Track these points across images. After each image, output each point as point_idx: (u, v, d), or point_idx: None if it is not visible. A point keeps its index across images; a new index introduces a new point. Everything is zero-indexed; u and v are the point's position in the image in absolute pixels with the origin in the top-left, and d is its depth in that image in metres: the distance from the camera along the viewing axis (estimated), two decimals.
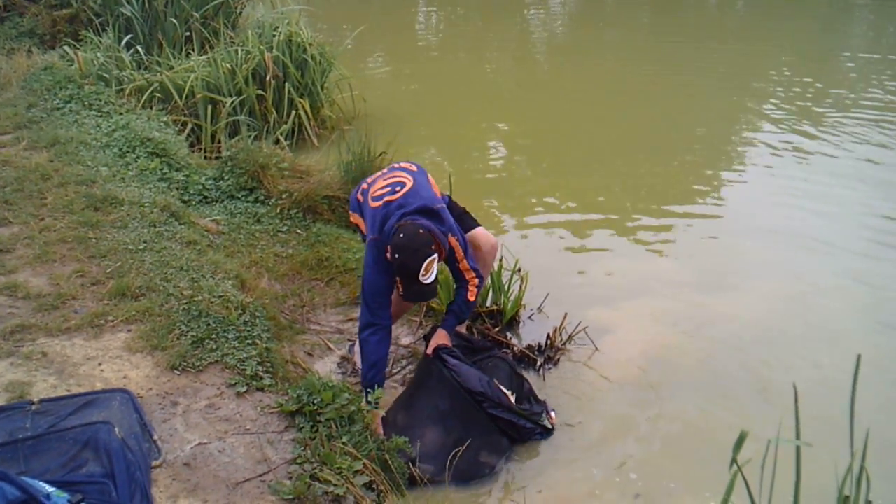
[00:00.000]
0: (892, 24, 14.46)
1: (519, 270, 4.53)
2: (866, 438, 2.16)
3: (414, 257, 3.32)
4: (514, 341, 4.29)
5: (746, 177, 7.17)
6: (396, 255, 3.33)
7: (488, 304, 4.46)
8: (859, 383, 2.02)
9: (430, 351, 3.66)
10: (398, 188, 3.59)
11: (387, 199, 3.56)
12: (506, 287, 4.42)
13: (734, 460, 2.13)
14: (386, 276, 3.46)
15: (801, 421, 2.15)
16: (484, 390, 3.48)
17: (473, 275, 3.70)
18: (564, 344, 4.29)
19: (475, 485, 3.37)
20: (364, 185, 3.79)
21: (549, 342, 4.26)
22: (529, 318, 4.58)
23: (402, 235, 3.35)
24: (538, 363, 4.14)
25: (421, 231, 3.37)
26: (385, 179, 3.69)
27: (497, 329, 4.30)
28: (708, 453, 3.59)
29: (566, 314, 4.40)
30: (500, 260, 4.33)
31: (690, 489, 3.39)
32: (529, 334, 4.42)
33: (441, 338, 3.71)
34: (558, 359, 4.20)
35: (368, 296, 3.51)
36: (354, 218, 3.87)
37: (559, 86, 10.13)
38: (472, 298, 3.73)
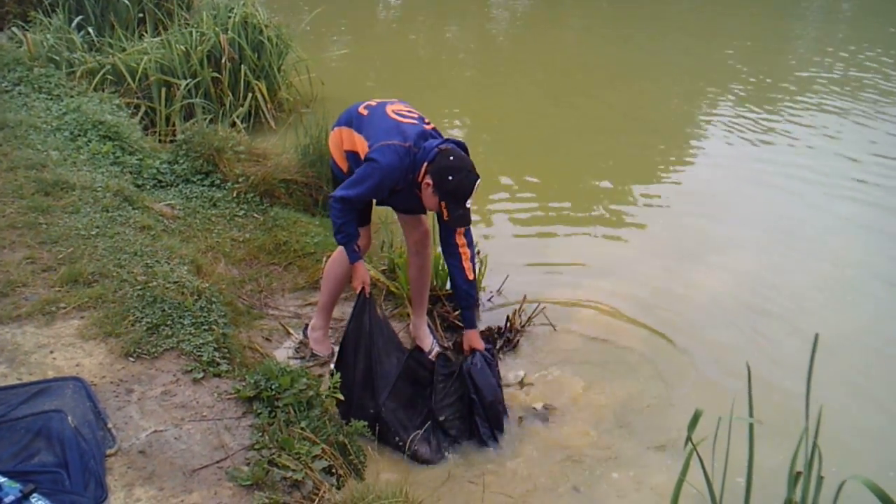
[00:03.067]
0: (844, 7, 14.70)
1: (478, 253, 4.54)
2: (819, 415, 2.20)
3: (468, 179, 3.34)
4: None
5: (708, 158, 7.28)
6: (450, 177, 3.32)
7: (447, 287, 4.46)
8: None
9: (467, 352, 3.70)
10: (427, 120, 3.59)
11: (425, 121, 3.55)
12: None
13: (689, 439, 2.17)
14: (382, 189, 3.42)
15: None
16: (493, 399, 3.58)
17: (465, 242, 3.65)
18: (524, 326, 4.32)
19: (432, 467, 3.40)
20: (370, 103, 3.65)
21: (508, 324, 4.28)
22: (489, 300, 4.60)
23: (452, 158, 3.35)
24: (498, 345, 4.16)
25: (467, 157, 3.39)
26: (403, 105, 3.64)
27: (457, 312, 4.31)
28: (662, 432, 3.64)
29: (525, 296, 4.43)
30: None
31: (644, 469, 3.44)
32: (489, 317, 4.43)
33: (475, 340, 3.70)
34: (517, 341, 4.23)
35: (355, 200, 3.42)
36: (337, 136, 3.69)
37: (520, 70, 10.12)
38: (471, 277, 3.66)
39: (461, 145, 3.48)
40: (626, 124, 8.08)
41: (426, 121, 3.58)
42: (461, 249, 3.63)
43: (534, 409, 3.78)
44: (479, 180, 3.39)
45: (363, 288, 3.56)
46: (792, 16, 13.82)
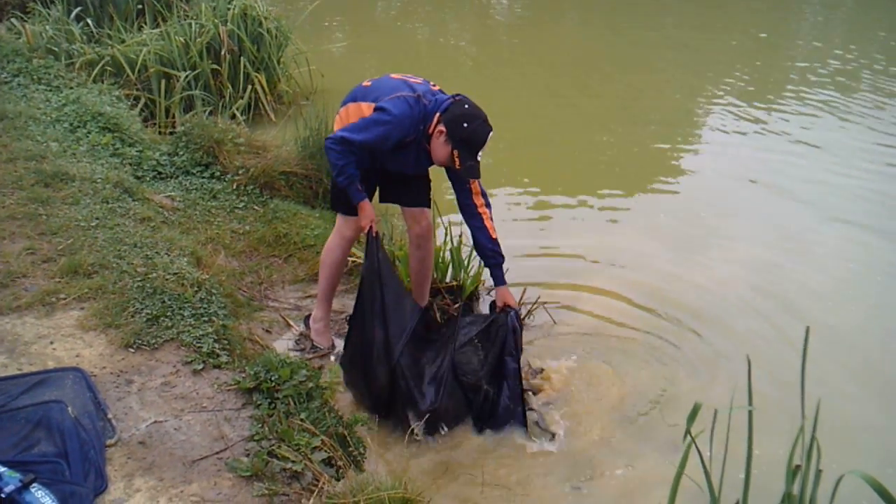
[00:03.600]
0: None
1: None
2: (817, 409, 2.20)
3: (483, 128, 3.34)
4: None
5: (707, 151, 7.30)
6: (465, 124, 3.30)
7: (448, 279, 4.46)
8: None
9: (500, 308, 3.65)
10: (433, 83, 3.58)
11: (431, 83, 3.54)
12: (465, 263, 4.42)
13: (688, 431, 2.17)
14: (389, 139, 3.38)
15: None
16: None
17: (483, 202, 3.62)
18: (523, 319, 4.32)
19: (429, 456, 3.41)
20: (373, 78, 3.64)
21: None
22: (489, 293, 4.60)
23: (467, 107, 3.35)
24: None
25: (480, 109, 3.39)
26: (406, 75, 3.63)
27: (457, 305, 4.31)
28: (667, 425, 3.65)
29: (525, 289, 4.43)
30: (460, 236, 4.33)
31: (647, 460, 3.45)
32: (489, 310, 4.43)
33: (508, 296, 3.68)
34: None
35: (357, 144, 3.35)
36: (343, 113, 3.60)
37: (519, 61, 10.11)
38: (494, 235, 3.62)
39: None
40: (625, 117, 8.09)
41: (432, 83, 3.58)
42: (480, 210, 3.59)
43: (531, 391, 3.79)
44: (492, 132, 3.38)
45: (371, 227, 3.53)
46: (791, 9, 13.80)
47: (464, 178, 3.52)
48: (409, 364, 3.50)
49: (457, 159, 3.36)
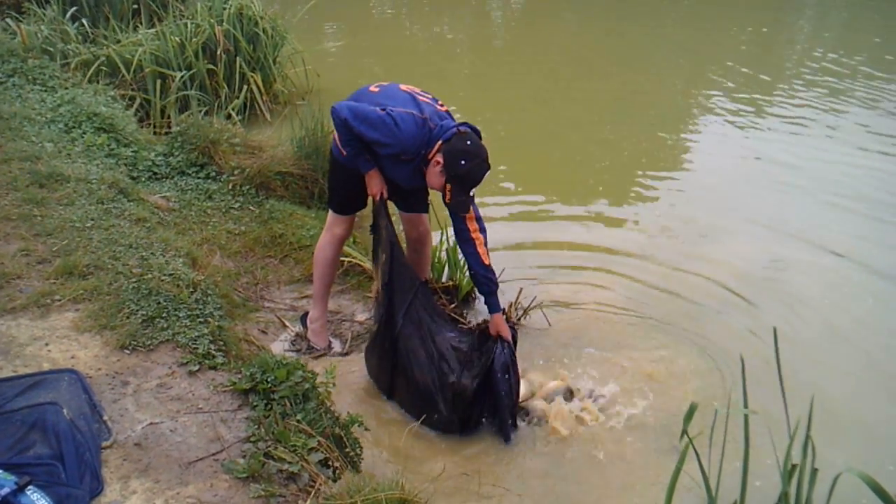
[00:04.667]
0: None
1: None
2: (811, 407, 2.21)
3: (480, 168, 3.32)
4: (470, 317, 4.30)
5: (705, 147, 7.32)
6: (463, 162, 3.27)
7: (444, 280, 4.46)
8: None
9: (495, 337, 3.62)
10: (440, 102, 3.56)
11: (438, 102, 3.53)
12: (461, 263, 4.42)
13: (684, 432, 2.17)
14: (386, 147, 3.37)
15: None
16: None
17: (477, 227, 3.54)
18: (519, 319, 4.31)
19: (427, 457, 3.40)
20: (380, 83, 3.62)
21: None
22: None
23: (469, 143, 3.30)
24: None
25: (482, 146, 3.35)
26: (414, 87, 3.62)
27: (453, 305, 4.31)
28: (666, 425, 3.65)
29: (521, 289, 4.42)
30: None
31: (647, 459, 3.45)
32: (485, 310, 4.43)
33: (501, 325, 3.62)
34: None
35: (355, 132, 3.35)
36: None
37: (515, 60, 10.11)
38: (486, 261, 3.56)
39: (476, 132, 3.44)
40: (622, 115, 8.09)
41: (439, 102, 3.55)
42: (473, 235, 3.53)
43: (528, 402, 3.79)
44: (489, 171, 3.36)
45: (382, 194, 3.55)
46: (789, 8, 13.81)
47: (452, 210, 3.50)
48: (408, 335, 3.57)
49: (448, 192, 3.36)
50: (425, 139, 3.35)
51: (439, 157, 3.33)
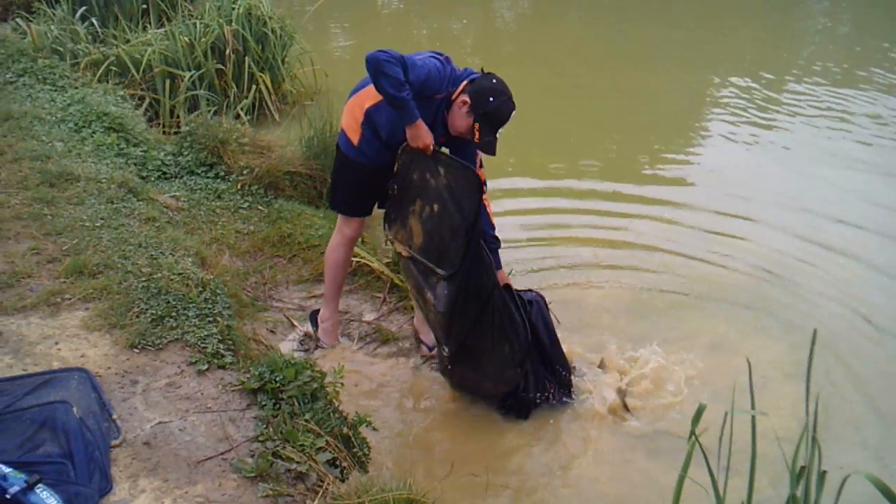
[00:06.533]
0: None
1: None
2: (816, 408, 2.19)
3: (507, 105, 3.34)
4: None
5: (713, 148, 7.27)
6: (491, 98, 3.29)
7: None
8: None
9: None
10: None
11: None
12: None
13: (692, 433, 2.16)
14: (430, 80, 3.33)
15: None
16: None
17: (485, 188, 3.51)
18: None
19: (434, 456, 3.41)
20: None
21: None
22: None
23: (495, 81, 3.35)
24: None
25: (507, 86, 3.37)
26: None
27: None
28: (669, 423, 3.65)
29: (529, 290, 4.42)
30: None
31: (649, 460, 3.44)
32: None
33: (506, 279, 3.67)
34: None
35: (404, 64, 3.23)
36: (357, 99, 3.58)
37: (523, 62, 10.09)
38: (493, 221, 3.63)
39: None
40: (631, 116, 8.06)
41: None
42: (484, 197, 3.50)
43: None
44: (514, 110, 3.38)
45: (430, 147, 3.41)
46: (796, 7, 13.75)
47: (481, 151, 3.46)
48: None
49: (477, 132, 3.33)
50: (451, 76, 3.38)
51: (465, 98, 3.34)
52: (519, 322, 3.54)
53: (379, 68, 3.19)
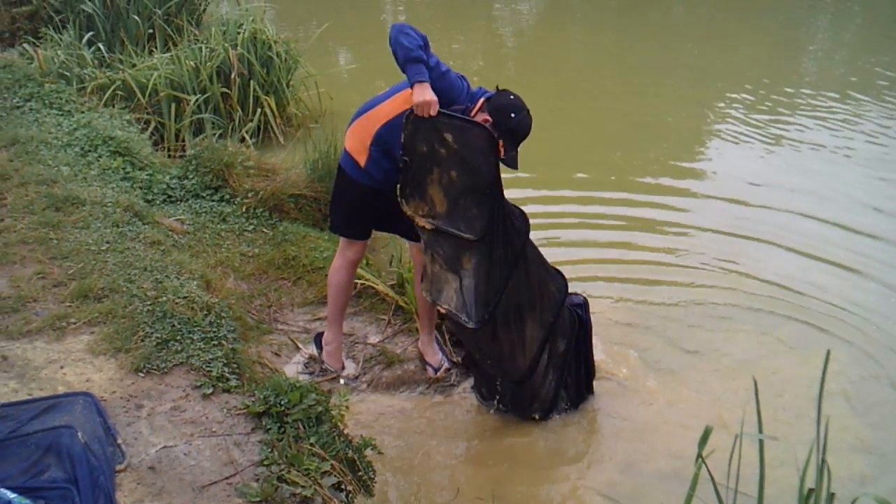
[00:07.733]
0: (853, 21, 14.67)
1: None
2: (826, 430, 2.18)
3: (527, 120, 3.39)
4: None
5: (719, 163, 7.28)
6: (513, 115, 3.34)
7: None
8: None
9: None
10: None
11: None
12: None
13: (699, 455, 2.15)
14: (449, 82, 3.42)
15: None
16: None
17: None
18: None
19: (439, 479, 3.39)
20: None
21: None
22: None
23: (513, 97, 3.40)
24: None
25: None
26: None
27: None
28: (674, 447, 3.63)
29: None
30: None
31: (655, 480, 3.42)
32: None
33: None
34: None
35: (421, 48, 3.38)
36: (364, 120, 3.65)
37: (526, 83, 10.12)
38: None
39: None
40: (636, 133, 8.07)
41: None
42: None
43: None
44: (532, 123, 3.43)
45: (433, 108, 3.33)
46: (801, 24, 13.78)
47: (505, 166, 3.45)
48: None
49: (501, 149, 3.35)
50: (467, 90, 3.44)
51: (486, 116, 3.36)
52: (553, 292, 3.63)
53: (402, 30, 3.38)
